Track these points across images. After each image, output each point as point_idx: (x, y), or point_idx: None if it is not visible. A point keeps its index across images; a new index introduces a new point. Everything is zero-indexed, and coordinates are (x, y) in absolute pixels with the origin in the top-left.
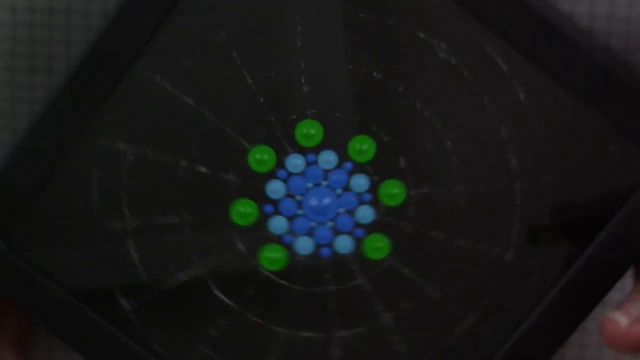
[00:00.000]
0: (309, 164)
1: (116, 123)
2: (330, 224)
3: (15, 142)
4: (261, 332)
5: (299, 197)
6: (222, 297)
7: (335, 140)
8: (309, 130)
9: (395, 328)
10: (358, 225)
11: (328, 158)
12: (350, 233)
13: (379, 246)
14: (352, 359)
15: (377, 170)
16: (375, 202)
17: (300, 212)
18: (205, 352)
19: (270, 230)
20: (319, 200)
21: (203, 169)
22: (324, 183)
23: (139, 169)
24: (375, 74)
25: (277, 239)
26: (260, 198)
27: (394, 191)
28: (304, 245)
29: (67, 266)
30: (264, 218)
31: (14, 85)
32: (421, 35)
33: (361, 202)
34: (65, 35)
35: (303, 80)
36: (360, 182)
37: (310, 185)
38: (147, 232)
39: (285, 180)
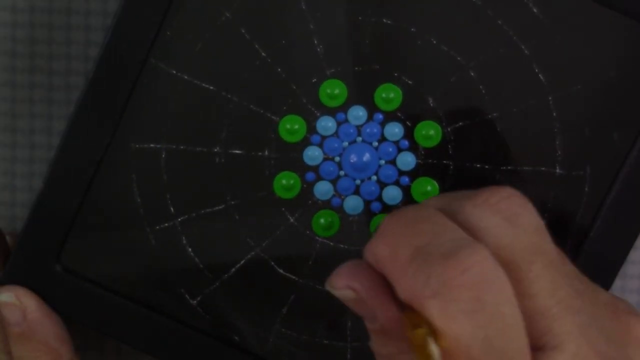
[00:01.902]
0: (339, 123)
1: (143, 124)
2: (374, 178)
3: (49, 164)
4: (331, 300)
5: (337, 159)
6: (286, 273)
7: (360, 95)
8: (333, 90)
9: None
10: (402, 173)
11: (357, 113)
12: (396, 183)
13: (427, 190)
14: None
15: (408, 115)
16: (413, 147)
17: (342, 173)
18: (283, 332)
19: (316, 197)
20: (357, 157)
21: (237, 151)
22: (359, 139)
23: (174, 164)
24: (385, 20)
25: (326, 205)
26: (300, 167)
27: (429, 132)
28: (353, 205)
29: (124, 275)
30: (308, 187)
31: (14, 85)
32: None
33: (400, 150)
34: (65, 35)
35: (315, 42)
36: (394, 130)
37: (345, 144)
38: (196, 224)
39: (320, 145)
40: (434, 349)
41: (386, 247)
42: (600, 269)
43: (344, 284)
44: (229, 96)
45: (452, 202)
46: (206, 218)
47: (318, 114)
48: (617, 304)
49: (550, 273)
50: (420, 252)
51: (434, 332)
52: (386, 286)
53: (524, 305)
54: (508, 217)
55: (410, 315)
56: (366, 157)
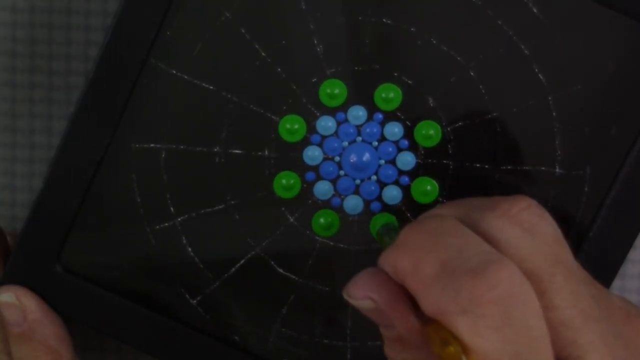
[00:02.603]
0: (339, 123)
1: (143, 124)
2: (373, 177)
3: (49, 164)
4: (331, 299)
5: (337, 158)
6: (286, 273)
7: (360, 95)
8: (333, 90)
9: None
10: (401, 173)
11: (357, 113)
12: (396, 182)
13: (427, 189)
14: None
15: (408, 114)
16: (413, 147)
17: (341, 172)
18: (283, 332)
19: (316, 197)
20: (357, 156)
21: (237, 151)
22: (359, 139)
23: (174, 164)
24: (385, 20)
25: (326, 204)
26: (300, 167)
27: (429, 132)
28: (353, 205)
29: (124, 275)
30: (308, 186)
31: (14, 85)
32: None
33: (399, 150)
34: (65, 35)
35: (315, 42)
36: (394, 130)
37: (345, 144)
38: (196, 224)
39: (320, 145)
40: None
41: (409, 260)
42: (600, 269)
43: (363, 295)
44: (229, 96)
45: (470, 212)
46: (206, 218)
47: (318, 114)
48: (629, 309)
49: (570, 284)
50: (446, 267)
51: (462, 348)
52: (404, 296)
53: (547, 316)
54: (528, 228)
55: (435, 328)
56: (366, 156)
